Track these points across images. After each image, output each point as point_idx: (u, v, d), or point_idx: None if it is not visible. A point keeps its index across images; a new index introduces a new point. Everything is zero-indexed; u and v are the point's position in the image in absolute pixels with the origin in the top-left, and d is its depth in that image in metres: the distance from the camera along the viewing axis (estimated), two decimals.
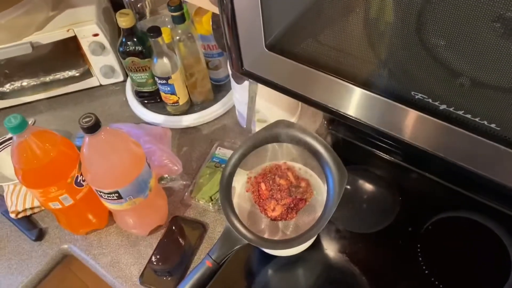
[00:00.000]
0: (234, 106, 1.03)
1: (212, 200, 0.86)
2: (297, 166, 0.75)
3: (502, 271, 0.74)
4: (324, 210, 0.66)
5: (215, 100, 1.05)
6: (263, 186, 0.73)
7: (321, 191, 0.72)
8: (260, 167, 0.75)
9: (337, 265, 0.79)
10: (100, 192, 0.72)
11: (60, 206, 0.76)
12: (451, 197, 0.84)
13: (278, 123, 0.71)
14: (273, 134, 0.71)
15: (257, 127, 0.97)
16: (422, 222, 0.81)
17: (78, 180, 0.76)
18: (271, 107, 0.92)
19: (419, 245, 0.78)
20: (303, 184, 0.74)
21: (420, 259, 0.77)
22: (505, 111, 0.42)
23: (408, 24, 0.44)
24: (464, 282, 0.74)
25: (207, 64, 1.03)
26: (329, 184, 0.65)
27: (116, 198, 0.72)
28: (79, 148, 0.76)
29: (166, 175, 0.90)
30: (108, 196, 0.72)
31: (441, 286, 0.73)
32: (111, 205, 0.75)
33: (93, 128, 0.65)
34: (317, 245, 0.79)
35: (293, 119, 0.98)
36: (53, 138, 0.73)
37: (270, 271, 0.79)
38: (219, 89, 1.07)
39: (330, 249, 0.80)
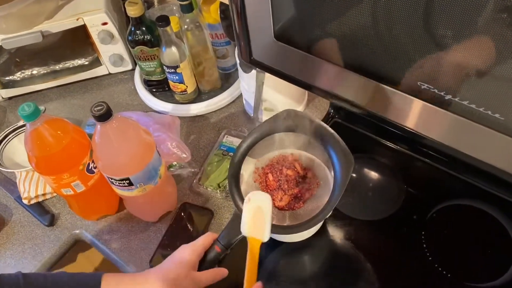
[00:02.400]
0: (241, 95, 1.04)
1: (220, 187, 0.88)
2: (304, 154, 0.77)
3: (505, 258, 0.75)
4: (330, 197, 0.67)
5: (222, 89, 1.06)
6: (270, 176, 0.74)
7: (327, 180, 0.73)
8: (268, 158, 0.77)
9: (342, 251, 0.81)
10: (111, 179, 0.74)
11: (72, 192, 0.78)
12: (456, 185, 0.85)
13: (286, 112, 0.72)
14: (281, 123, 0.72)
15: (264, 116, 0.98)
16: (426, 210, 0.82)
17: (90, 167, 0.77)
18: (278, 96, 0.93)
19: (423, 233, 0.80)
20: (309, 174, 0.75)
21: (424, 246, 0.78)
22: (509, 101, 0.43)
23: (416, 14, 0.45)
24: (467, 268, 0.75)
25: (214, 52, 1.04)
26: (336, 172, 0.66)
27: (127, 185, 0.74)
28: (89, 135, 0.77)
29: (175, 163, 0.91)
30: (119, 183, 0.74)
31: (444, 272, 0.75)
32: (122, 192, 0.77)
33: (105, 116, 0.66)
34: (322, 232, 0.81)
35: (300, 108, 0.99)
36: (65, 126, 0.74)
37: (277, 257, 0.81)
38: (227, 78, 1.08)
39: (336, 236, 0.82)
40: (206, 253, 0.69)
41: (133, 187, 0.75)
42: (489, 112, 0.44)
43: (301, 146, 0.76)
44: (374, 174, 0.90)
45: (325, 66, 0.51)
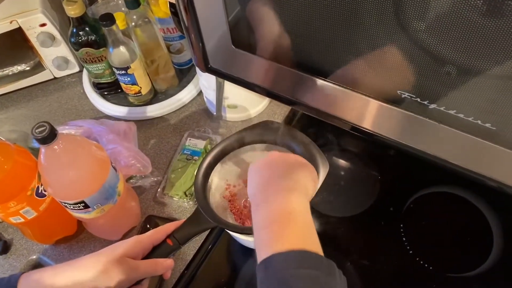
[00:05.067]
0: (202, 92, 0.98)
1: (186, 195, 0.82)
2: None
3: (485, 245, 0.74)
4: None
5: (180, 86, 0.99)
6: (242, 203, 0.70)
7: None
8: (241, 179, 0.72)
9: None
10: (65, 203, 0.67)
11: (22, 220, 0.71)
12: (431, 172, 0.82)
13: (262, 123, 0.67)
14: (258, 133, 0.67)
15: (228, 113, 0.92)
16: (402, 201, 0.80)
17: (40, 191, 0.70)
18: (241, 92, 0.87)
19: (401, 225, 0.77)
20: None
21: (404, 239, 0.76)
22: (496, 104, 0.39)
23: (385, 4, 0.40)
24: (448, 259, 0.74)
25: (168, 48, 0.96)
26: None
27: (82, 208, 0.67)
28: (38, 151, 0.69)
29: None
30: (73, 207, 0.67)
31: (426, 265, 0.73)
32: (78, 215, 0.70)
33: (49, 138, 0.59)
34: None
35: (264, 103, 0.93)
36: (6, 148, 0.66)
37: (254, 266, 0.77)
38: (184, 74, 1.01)
39: None
40: (156, 246, 0.62)
41: (90, 209, 0.68)
42: (479, 122, 0.39)
43: None
44: (347, 167, 0.87)
45: (290, 73, 0.45)
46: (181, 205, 0.83)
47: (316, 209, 0.80)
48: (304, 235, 0.46)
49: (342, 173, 0.86)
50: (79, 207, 0.67)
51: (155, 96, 0.98)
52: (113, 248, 0.58)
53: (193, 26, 0.44)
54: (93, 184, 0.66)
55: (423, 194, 0.80)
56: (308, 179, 0.54)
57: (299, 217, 0.47)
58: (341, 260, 0.75)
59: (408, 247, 0.75)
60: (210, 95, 0.90)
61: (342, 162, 0.88)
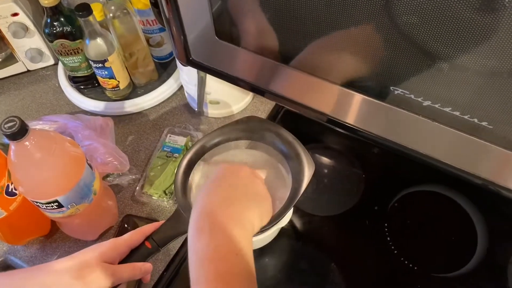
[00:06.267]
0: (182, 86, 0.95)
1: (166, 194, 0.79)
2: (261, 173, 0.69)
3: (469, 245, 0.73)
4: (287, 203, 0.61)
5: (160, 81, 0.96)
6: None
7: (285, 191, 0.66)
8: None
9: (304, 253, 0.76)
10: (37, 202, 0.63)
11: None
12: (415, 170, 0.82)
13: (246, 119, 0.64)
14: (239, 131, 0.64)
15: (210, 109, 0.90)
16: (387, 200, 0.79)
17: (10, 189, 0.66)
18: (223, 88, 0.84)
19: (386, 224, 0.76)
20: None
21: (388, 239, 0.75)
22: (484, 99, 0.37)
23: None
24: (433, 259, 0.73)
25: (147, 41, 0.93)
26: (293, 187, 0.60)
27: (56, 207, 0.64)
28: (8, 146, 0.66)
29: None
30: (46, 206, 0.64)
31: (410, 265, 0.72)
32: (52, 215, 0.67)
33: (19, 133, 0.55)
34: (283, 234, 0.75)
35: (247, 99, 0.91)
36: None
37: None
38: (164, 68, 0.98)
39: (297, 237, 0.77)
40: (134, 249, 0.59)
41: (63, 208, 0.65)
42: (475, 120, 0.38)
43: (258, 159, 0.68)
44: (331, 165, 0.85)
45: (275, 67, 0.43)
46: (160, 204, 0.80)
47: (299, 208, 0.78)
48: (244, 282, 0.45)
49: (326, 171, 0.85)
50: (52, 206, 0.64)
51: (134, 91, 0.94)
52: (88, 252, 0.55)
53: (175, 16, 0.42)
54: (67, 182, 0.62)
55: (407, 193, 0.79)
56: (262, 210, 0.52)
57: (245, 256, 0.46)
58: (325, 261, 0.74)
59: (392, 247, 0.74)
60: (191, 90, 0.87)
61: (326, 159, 0.86)
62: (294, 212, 0.78)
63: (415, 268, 0.72)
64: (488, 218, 0.75)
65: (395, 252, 0.73)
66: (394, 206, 0.78)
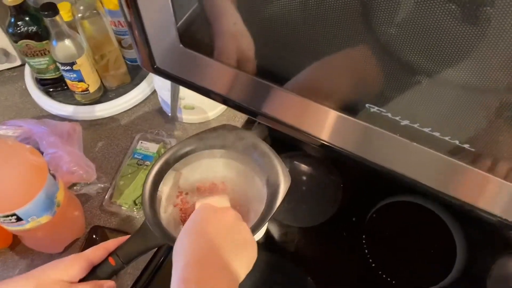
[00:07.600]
0: (156, 90, 0.91)
1: (136, 204, 0.76)
2: (236, 184, 0.65)
3: (448, 257, 0.72)
4: (261, 217, 0.58)
5: (133, 84, 0.92)
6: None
7: (260, 203, 0.63)
8: (195, 185, 0.65)
9: (281, 265, 0.73)
10: None
11: None
12: (394, 180, 0.79)
13: (221, 128, 0.61)
14: (217, 137, 0.61)
15: (184, 115, 0.86)
16: (365, 211, 0.76)
17: None
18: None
19: (364, 236, 0.74)
20: (241, 210, 0.64)
21: (366, 251, 0.73)
22: (472, 119, 0.35)
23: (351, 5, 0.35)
24: (411, 272, 0.71)
25: (119, 43, 0.89)
26: (268, 201, 0.57)
27: (14, 220, 0.60)
28: None
29: None
30: (4, 220, 0.59)
31: (388, 279, 0.70)
32: (10, 228, 0.62)
33: None
34: (259, 247, 0.72)
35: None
36: None
37: None
38: (137, 71, 0.94)
39: (273, 248, 0.74)
40: (96, 266, 0.56)
41: (23, 222, 0.61)
42: (457, 142, 0.36)
43: (232, 170, 0.65)
44: (309, 173, 0.82)
45: (244, 77, 0.40)
46: (130, 215, 0.76)
47: (276, 219, 0.76)
48: None
49: (304, 178, 0.82)
50: (10, 220, 0.59)
51: (105, 94, 0.90)
52: (47, 269, 0.51)
53: (136, 21, 0.39)
54: (26, 194, 0.58)
55: (386, 204, 0.77)
56: (250, 257, 0.50)
57: None
58: (302, 275, 0.71)
59: (370, 260, 0.72)
60: (164, 95, 0.83)
61: (304, 167, 0.83)
62: (270, 223, 0.75)
63: (393, 282, 0.70)
64: (467, 229, 0.73)
65: (373, 265, 0.71)
66: (372, 217, 0.76)
